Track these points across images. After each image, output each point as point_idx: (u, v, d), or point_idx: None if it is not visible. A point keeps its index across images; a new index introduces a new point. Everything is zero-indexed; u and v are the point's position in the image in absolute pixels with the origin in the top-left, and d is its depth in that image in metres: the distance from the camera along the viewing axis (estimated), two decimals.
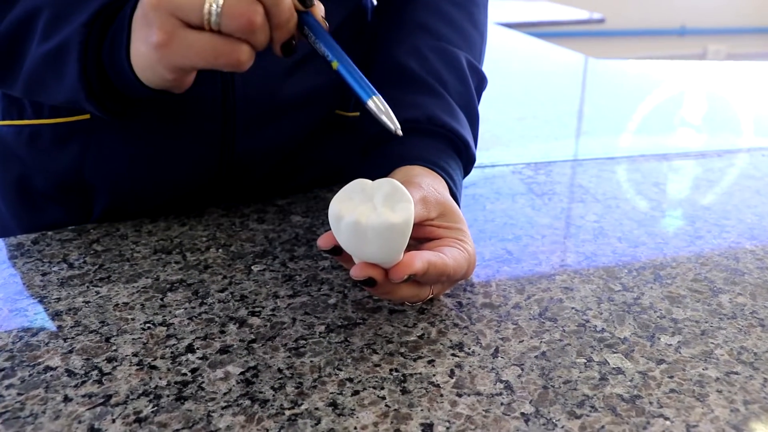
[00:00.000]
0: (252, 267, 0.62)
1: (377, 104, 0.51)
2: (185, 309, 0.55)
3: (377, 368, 0.49)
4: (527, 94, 1.29)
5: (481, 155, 0.90)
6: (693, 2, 5.78)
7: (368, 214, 0.47)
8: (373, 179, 0.60)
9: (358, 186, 0.49)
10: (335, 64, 0.52)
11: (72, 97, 0.56)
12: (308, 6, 0.51)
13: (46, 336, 0.52)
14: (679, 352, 0.51)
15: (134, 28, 0.51)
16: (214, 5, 0.46)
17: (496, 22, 2.40)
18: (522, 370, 0.49)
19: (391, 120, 0.50)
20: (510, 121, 1.04)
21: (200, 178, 0.69)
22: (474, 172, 0.84)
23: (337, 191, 0.49)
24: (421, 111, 0.63)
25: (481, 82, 0.70)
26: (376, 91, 0.51)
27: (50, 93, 0.58)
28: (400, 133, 0.51)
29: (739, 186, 0.83)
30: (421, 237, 0.55)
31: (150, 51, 0.49)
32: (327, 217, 0.71)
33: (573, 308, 0.56)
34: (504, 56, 1.63)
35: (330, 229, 0.49)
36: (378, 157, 0.63)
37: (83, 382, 0.47)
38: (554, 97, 1.29)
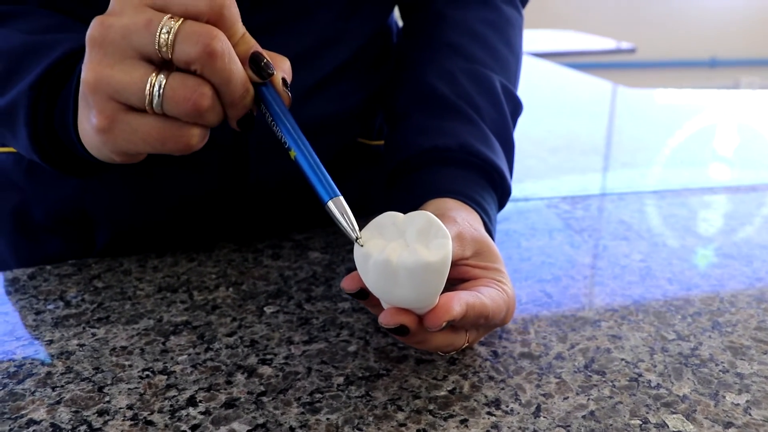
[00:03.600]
0: (264, 308, 0.56)
1: (339, 207, 0.43)
2: (189, 355, 0.50)
3: (402, 428, 0.43)
4: (560, 124, 1.23)
5: (514, 188, 0.84)
6: (724, 32, 5.66)
7: (400, 251, 0.41)
8: (401, 210, 0.54)
9: (389, 219, 0.44)
10: (293, 154, 0.44)
11: (30, 156, 0.51)
12: (266, 77, 0.43)
13: (33, 384, 0.47)
14: (749, 414, 0.44)
15: (79, 105, 0.44)
16: (156, 87, 0.40)
17: (527, 52, 2.36)
18: None
19: (352, 228, 0.43)
20: (543, 152, 0.98)
21: (210, 210, 0.64)
22: (507, 206, 0.78)
23: (360, 225, 0.44)
24: (454, 139, 0.57)
25: (516, 107, 0.65)
26: (338, 192, 0.43)
27: (14, 146, 0.54)
28: (361, 243, 0.43)
29: None
30: (455, 278, 0.49)
31: (93, 133, 0.43)
32: (348, 253, 0.66)
33: (623, 359, 0.50)
34: (534, 86, 1.58)
35: (355, 269, 0.44)
36: (406, 187, 0.58)
37: None
38: (591, 126, 1.23)
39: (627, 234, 0.71)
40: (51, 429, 0.43)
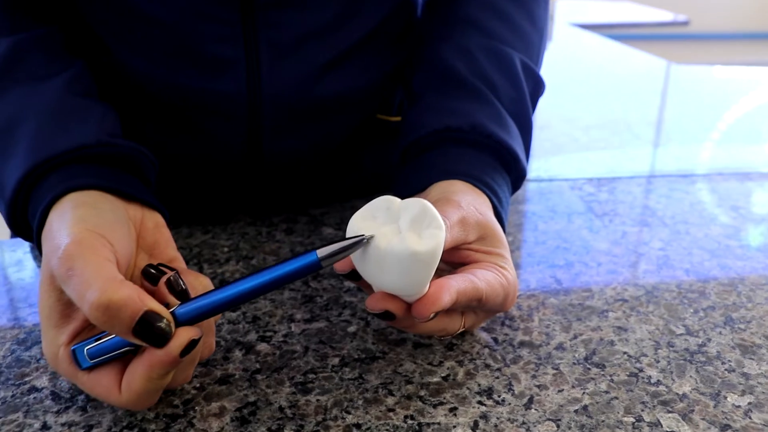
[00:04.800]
0: None
1: (327, 252, 0.40)
2: None
3: (390, 413, 0.43)
4: (599, 101, 1.20)
5: (539, 167, 0.83)
6: None
7: (390, 237, 0.41)
8: (407, 192, 0.54)
9: (384, 204, 0.43)
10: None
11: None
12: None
13: (39, 351, 0.48)
14: (749, 417, 0.43)
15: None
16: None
17: (572, 23, 2.29)
18: (558, 427, 0.42)
19: (353, 242, 0.40)
20: (575, 131, 0.95)
21: (225, 182, 0.65)
22: (528, 186, 0.77)
23: (357, 208, 0.43)
24: (466, 119, 0.56)
25: (537, 86, 0.63)
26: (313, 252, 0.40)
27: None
28: (368, 238, 0.40)
29: None
30: (456, 261, 0.48)
31: None
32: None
33: (625, 353, 0.49)
34: (577, 59, 1.53)
35: None
36: (416, 168, 0.57)
37: (66, 408, 0.43)
38: (629, 105, 1.19)
39: (650, 220, 0.70)
40: (51, 397, 0.44)
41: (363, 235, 0.40)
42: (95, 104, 0.52)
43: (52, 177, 0.46)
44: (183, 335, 0.38)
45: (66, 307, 0.41)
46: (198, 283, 0.44)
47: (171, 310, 0.39)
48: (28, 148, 0.47)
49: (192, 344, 0.38)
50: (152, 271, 0.43)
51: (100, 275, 0.37)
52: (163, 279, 0.42)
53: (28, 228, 0.48)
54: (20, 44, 0.52)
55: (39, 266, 0.59)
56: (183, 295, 0.41)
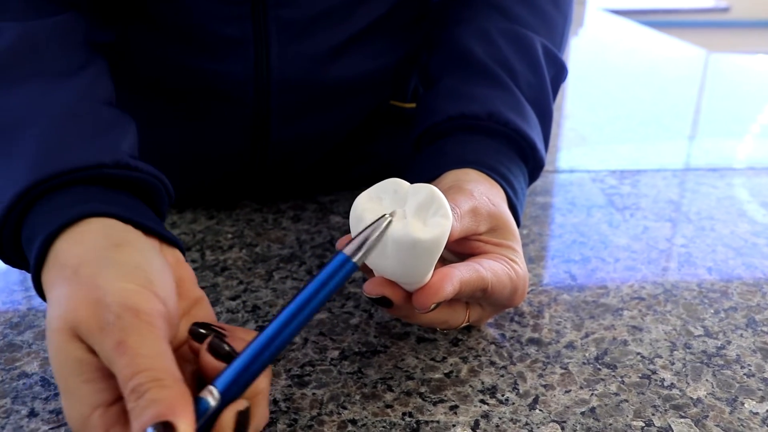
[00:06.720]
0: (273, 273, 0.55)
1: (354, 249, 0.36)
2: None
3: (388, 410, 0.41)
4: (629, 91, 1.16)
5: (561, 157, 0.80)
6: None
7: (394, 222, 0.39)
8: (420, 179, 0.51)
9: (392, 186, 0.41)
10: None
11: None
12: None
13: (31, 336, 0.47)
14: (767, 425, 0.41)
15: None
16: None
17: (605, 9, 2.24)
18: (562, 429, 0.40)
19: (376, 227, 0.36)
20: (601, 121, 0.92)
21: (231, 168, 0.63)
22: (548, 178, 0.74)
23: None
24: (483, 106, 0.54)
25: (559, 72, 0.60)
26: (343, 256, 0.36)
27: None
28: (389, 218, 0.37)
29: None
30: (465, 252, 0.46)
31: None
32: None
33: (639, 354, 0.47)
34: (609, 47, 1.49)
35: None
36: (429, 155, 0.55)
37: (55, 395, 0.42)
38: (662, 95, 1.15)
39: (673, 215, 0.67)
40: (41, 383, 0.43)
41: (385, 215, 0.37)
42: (117, 116, 0.46)
43: (58, 197, 0.39)
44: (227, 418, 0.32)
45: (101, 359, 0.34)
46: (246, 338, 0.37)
47: (212, 384, 0.33)
48: (31, 158, 0.40)
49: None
50: (201, 330, 0.37)
51: (156, 364, 0.31)
52: (204, 345, 0.35)
53: (18, 253, 0.42)
54: (35, 31, 0.47)
55: None
56: (229, 358, 0.35)
